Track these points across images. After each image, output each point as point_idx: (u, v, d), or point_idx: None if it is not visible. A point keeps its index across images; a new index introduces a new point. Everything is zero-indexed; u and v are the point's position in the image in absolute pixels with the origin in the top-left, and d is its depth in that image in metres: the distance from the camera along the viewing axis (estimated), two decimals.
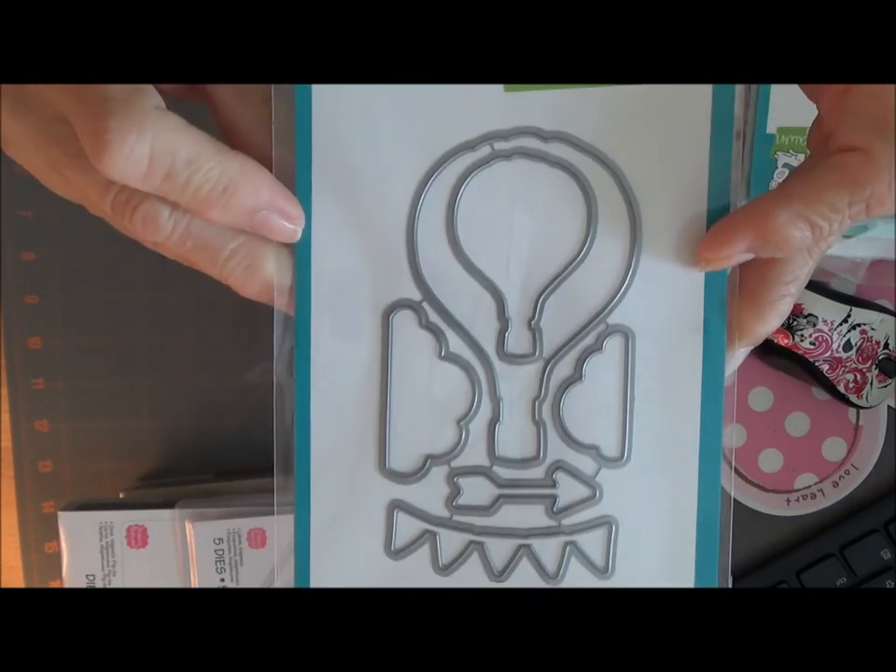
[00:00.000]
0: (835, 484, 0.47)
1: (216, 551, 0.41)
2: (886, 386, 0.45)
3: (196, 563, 0.41)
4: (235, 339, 0.46)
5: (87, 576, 0.42)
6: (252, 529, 0.41)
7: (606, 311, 0.30)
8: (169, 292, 0.46)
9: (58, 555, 0.42)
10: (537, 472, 0.31)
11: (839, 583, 0.45)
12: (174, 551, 0.41)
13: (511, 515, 0.31)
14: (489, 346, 0.30)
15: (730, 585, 0.31)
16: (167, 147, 0.25)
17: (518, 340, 0.30)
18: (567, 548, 0.31)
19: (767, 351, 0.44)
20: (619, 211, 0.29)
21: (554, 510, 0.31)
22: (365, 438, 0.31)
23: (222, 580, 0.41)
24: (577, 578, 0.31)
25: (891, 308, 0.45)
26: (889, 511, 0.45)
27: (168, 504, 0.42)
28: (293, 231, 0.29)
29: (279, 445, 0.31)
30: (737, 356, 0.30)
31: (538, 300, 0.30)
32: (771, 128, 0.41)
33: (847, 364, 0.43)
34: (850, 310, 0.43)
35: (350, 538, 0.31)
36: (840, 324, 0.43)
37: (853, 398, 0.44)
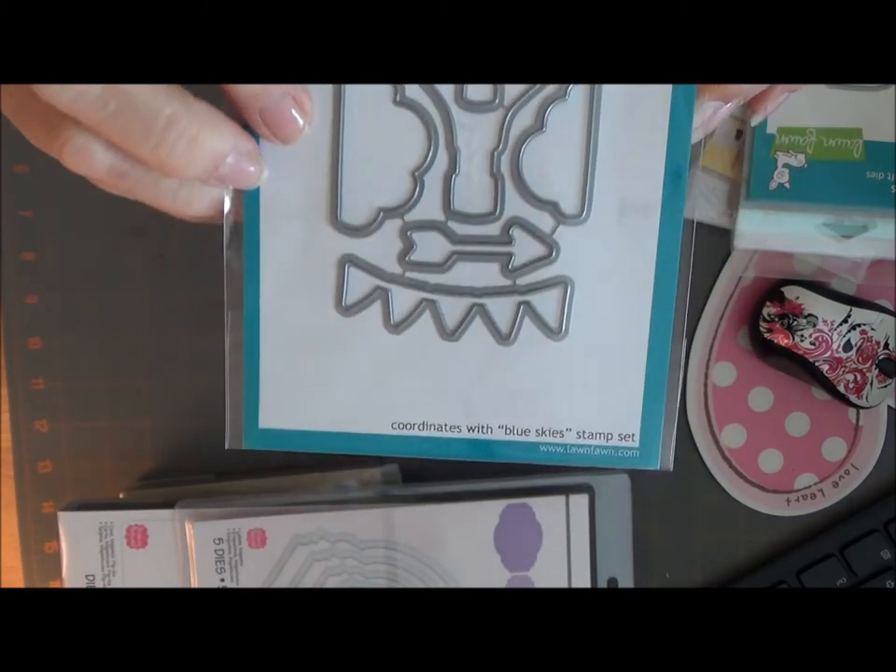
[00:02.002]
0: (835, 484, 0.47)
1: (215, 551, 0.41)
2: (886, 386, 0.45)
3: (196, 563, 0.41)
4: None
5: (87, 576, 0.42)
6: (252, 529, 0.41)
7: None
8: (169, 292, 0.46)
9: (58, 555, 0.42)
10: (492, 229, 0.30)
11: (839, 583, 0.45)
12: (174, 551, 0.41)
13: (465, 273, 0.30)
14: (447, 91, 0.29)
15: (685, 344, 0.31)
16: None
17: (478, 85, 0.28)
18: (521, 308, 0.30)
19: (767, 351, 0.44)
20: None
21: (510, 268, 0.30)
22: (316, 189, 0.29)
23: (222, 580, 0.41)
24: (530, 339, 0.30)
25: (891, 308, 0.45)
26: (889, 511, 0.45)
27: (168, 504, 0.42)
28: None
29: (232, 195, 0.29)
30: (704, 108, 0.28)
31: None
32: (771, 128, 0.41)
33: (847, 364, 0.43)
34: (850, 310, 0.43)
35: (301, 293, 0.30)
36: (840, 324, 0.43)
37: (853, 398, 0.44)
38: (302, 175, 0.29)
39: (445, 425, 0.31)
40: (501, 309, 0.30)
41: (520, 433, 0.31)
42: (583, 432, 0.31)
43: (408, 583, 0.41)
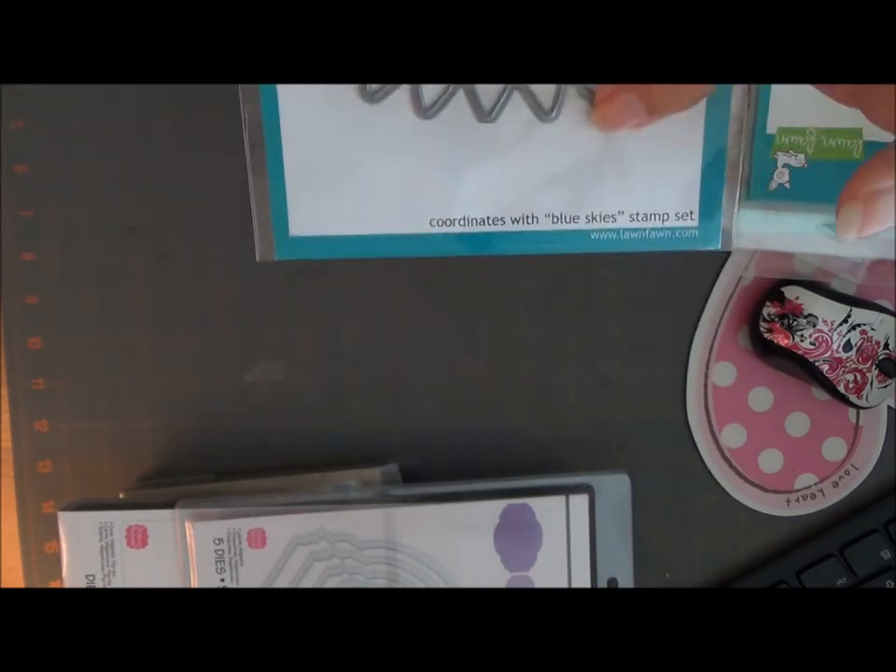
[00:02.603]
0: (835, 484, 0.47)
1: (216, 551, 0.41)
2: (886, 386, 0.45)
3: (196, 563, 0.41)
4: (235, 339, 0.46)
5: (87, 576, 0.42)
6: (252, 529, 0.41)
7: None
8: (169, 292, 0.46)
9: (58, 555, 0.42)
10: None
11: (839, 583, 0.45)
12: (174, 551, 0.41)
13: None
14: None
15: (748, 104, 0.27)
16: None
17: None
18: None
19: (767, 351, 0.44)
20: None
21: None
22: None
23: (222, 580, 0.41)
24: (574, 113, 0.27)
25: (891, 308, 0.45)
26: (889, 511, 0.45)
27: (168, 504, 0.42)
28: None
29: None
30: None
31: None
32: (771, 128, 0.41)
33: (847, 364, 0.43)
34: (850, 310, 0.43)
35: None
36: (840, 324, 0.43)
37: (853, 398, 0.44)
38: None
39: (488, 218, 0.28)
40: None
41: (569, 220, 0.29)
42: (637, 214, 0.29)
43: (408, 583, 0.41)
